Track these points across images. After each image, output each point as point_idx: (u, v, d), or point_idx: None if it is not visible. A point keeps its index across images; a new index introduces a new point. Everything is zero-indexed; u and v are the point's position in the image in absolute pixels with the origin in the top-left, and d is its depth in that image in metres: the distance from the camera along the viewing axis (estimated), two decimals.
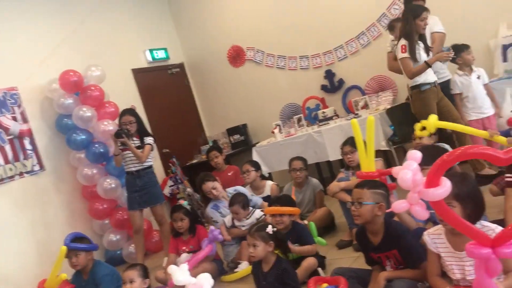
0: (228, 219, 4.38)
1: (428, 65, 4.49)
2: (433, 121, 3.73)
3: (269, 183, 5.01)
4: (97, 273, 3.79)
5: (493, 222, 2.67)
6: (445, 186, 1.79)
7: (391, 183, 3.36)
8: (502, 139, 3.73)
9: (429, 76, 4.57)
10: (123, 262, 5.60)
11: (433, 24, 4.86)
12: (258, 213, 4.28)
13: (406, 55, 4.49)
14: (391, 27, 5.14)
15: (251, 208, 4.33)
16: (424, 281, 2.54)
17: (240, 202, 4.24)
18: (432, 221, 2.94)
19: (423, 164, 3.22)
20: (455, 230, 2.28)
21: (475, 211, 2.21)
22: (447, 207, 1.88)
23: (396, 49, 4.64)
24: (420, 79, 4.56)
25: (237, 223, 4.32)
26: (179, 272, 2.44)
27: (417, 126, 3.85)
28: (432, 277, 2.41)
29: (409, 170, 1.93)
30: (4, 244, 5.02)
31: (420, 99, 4.59)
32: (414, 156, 2.01)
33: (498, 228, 2.16)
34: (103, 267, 3.92)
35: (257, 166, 5.02)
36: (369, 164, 3.20)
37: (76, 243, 3.82)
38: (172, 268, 2.51)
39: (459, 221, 1.90)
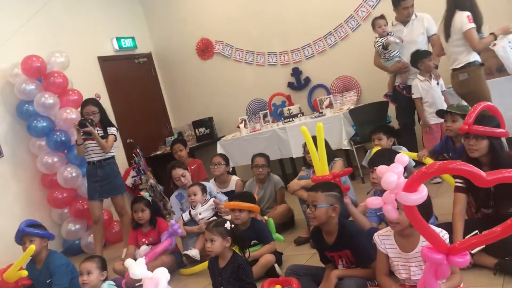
0: (186, 214, 4.42)
1: (495, 36, 4.47)
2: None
3: (234, 178, 5.05)
4: (51, 263, 3.73)
5: (442, 225, 2.81)
6: (422, 193, 1.87)
7: (345, 185, 3.46)
8: (429, 161, 3.87)
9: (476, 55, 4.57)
10: (81, 252, 5.55)
11: (430, 25, 5.04)
12: (211, 202, 4.38)
13: (473, 25, 4.39)
14: (373, 25, 5.25)
15: (208, 196, 4.42)
16: (373, 280, 2.65)
17: (200, 185, 4.40)
18: (385, 222, 3.05)
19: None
20: (403, 232, 2.40)
21: (422, 215, 2.31)
22: (417, 212, 1.95)
23: (458, 21, 4.43)
24: (476, 56, 4.53)
25: (193, 211, 4.36)
26: (136, 266, 2.45)
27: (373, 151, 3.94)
28: (380, 276, 2.52)
29: (395, 173, 1.99)
30: None
31: (479, 76, 4.52)
32: (401, 159, 2.09)
33: (443, 232, 2.27)
34: (58, 257, 3.85)
35: (227, 161, 5.06)
36: (323, 168, 3.28)
37: (31, 228, 3.76)
38: (129, 262, 2.52)
39: (423, 226, 1.98)
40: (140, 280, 2.45)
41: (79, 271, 3.22)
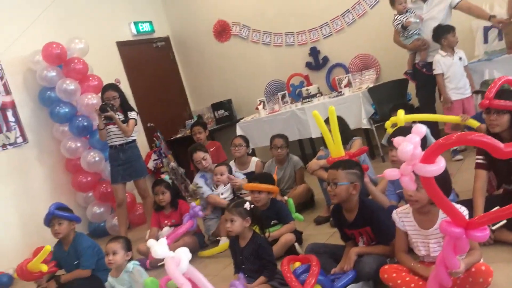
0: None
1: None
2: (402, 116, 3.77)
3: (254, 159, 5.08)
4: (78, 245, 3.84)
5: (462, 202, 2.80)
6: (439, 165, 1.85)
7: (364, 165, 3.45)
8: (474, 123, 3.83)
9: None
10: (106, 234, 5.68)
11: None
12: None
13: None
14: (392, 2, 5.14)
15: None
16: (393, 257, 2.66)
17: (227, 166, 4.46)
18: (404, 200, 3.05)
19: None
20: (422, 209, 2.40)
21: (442, 191, 2.30)
22: (435, 185, 1.94)
23: None
24: None
25: (215, 192, 4.42)
26: (158, 246, 2.50)
27: (387, 124, 3.89)
28: (399, 253, 2.53)
29: (411, 143, 1.97)
30: None
31: None
32: (419, 130, 2.05)
33: (462, 208, 2.26)
34: (85, 239, 3.96)
35: (247, 142, 5.10)
36: (338, 150, 3.27)
37: (60, 211, 3.87)
38: (151, 242, 2.57)
39: (442, 199, 1.98)
40: (163, 260, 2.50)
41: (104, 252, 3.32)
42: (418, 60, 5.13)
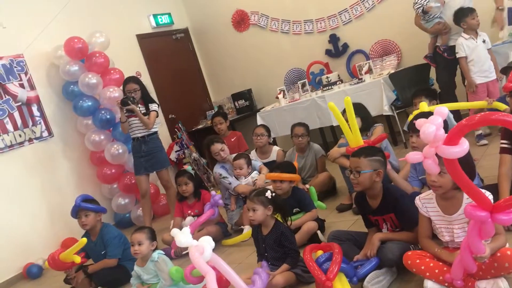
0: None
1: None
2: (425, 109, 3.70)
3: (275, 148, 5.08)
4: (105, 235, 3.94)
5: (488, 187, 2.76)
6: (463, 147, 1.83)
7: (385, 152, 3.42)
8: (500, 105, 3.75)
9: None
10: (131, 225, 5.78)
11: None
12: (255, 173, 4.44)
13: None
14: None
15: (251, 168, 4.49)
16: (416, 244, 2.64)
17: (245, 158, 4.45)
18: (428, 186, 3.02)
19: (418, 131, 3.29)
20: (446, 195, 2.37)
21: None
22: (459, 167, 1.92)
23: None
24: None
25: (241, 181, 4.43)
26: (181, 234, 2.54)
27: (410, 118, 3.84)
28: (423, 239, 2.51)
29: (433, 124, 1.94)
30: (17, 207, 5.22)
31: None
32: (441, 111, 2.01)
33: (487, 193, 2.23)
34: (112, 229, 4.06)
35: (269, 131, 5.12)
36: (356, 140, 3.24)
37: (86, 203, 3.96)
38: (174, 231, 2.61)
39: (466, 182, 1.96)
40: (187, 249, 2.54)
41: (130, 242, 3.39)
42: (439, 43, 5.04)
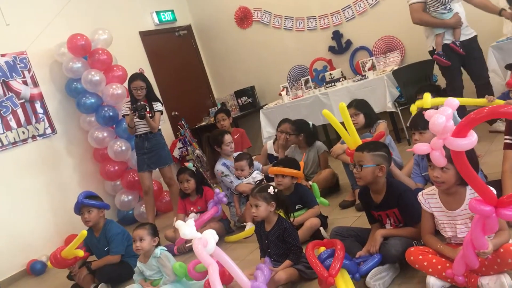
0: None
1: None
2: (429, 100, 3.67)
3: None
4: (108, 231, 3.95)
5: (491, 182, 2.75)
6: (471, 139, 1.81)
7: None
8: (500, 103, 3.73)
9: None
10: (134, 222, 5.79)
11: None
12: (256, 174, 4.43)
13: None
14: None
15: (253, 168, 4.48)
16: (419, 240, 2.63)
17: (247, 159, 4.43)
18: (431, 182, 3.01)
19: (422, 128, 3.28)
20: (449, 190, 2.36)
21: None
22: (466, 160, 1.91)
23: None
24: None
25: (243, 180, 4.43)
26: (186, 226, 2.55)
27: (413, 108, 3.81)
28: (426, 235, 2.50)
29: (443, 115, 1.91)
30: (21, 204, 5.23)
31: None
32: (451, 103, 1.98)
33: (491, 189, 2.22)
34: (114, 226, 4.06)
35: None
36: (355, 141, 3.23)
37: (89, 200, 3.96)
38: (179, 223, 2.62)
39: (472, 175, 1.95)
40: (190, 241, 2.54)
41: (132, 239, 3.40)
42: (449, 40, 4.71)
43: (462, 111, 4.48)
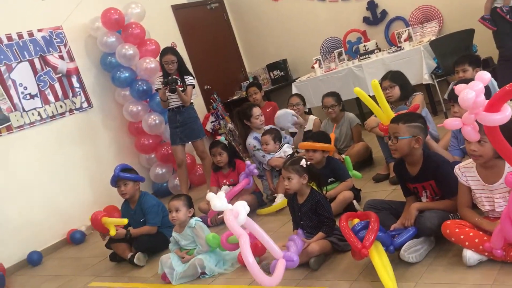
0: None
1: None
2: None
3: (312, 117, 5.04)
4: (144, 203, 4.04)
5: None
6: (505, 113, 1.76)
7: None
8: None
9: None
10: (169, 194, 5.89)
11: None
12: (286, 147, 4.40)
13: None
14: None
15: (283, 141, 4.47)
16: (456, 213, 2.59)
17: (272, 134, 4.40)
18: (469, 155, 2.93)
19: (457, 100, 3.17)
20: (487, 164, 2.30)
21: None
22: (500, 135, 1.86)
23: None
24: None
25: (275, 154, 4.43)
26: (217, 198, 2.58)
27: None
28: (462, 208, 2.46)
29: (473, 90, 1.86)
30: (60, 177, 5.41)
31: None
32: (482, 77, 1.92)
33: None
34: (150, 198, 4.15)
35: (304, 101, 5.09)
36: (388, 117, 3.16)
37: (125, 173, 4.06)
38: (210, 195, 2.65)
39: (507, 149, 1.90)
40: (222, 213, 2.57)
41: (168, 209, 3.47)
42: (500, 4, 4.58)
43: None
